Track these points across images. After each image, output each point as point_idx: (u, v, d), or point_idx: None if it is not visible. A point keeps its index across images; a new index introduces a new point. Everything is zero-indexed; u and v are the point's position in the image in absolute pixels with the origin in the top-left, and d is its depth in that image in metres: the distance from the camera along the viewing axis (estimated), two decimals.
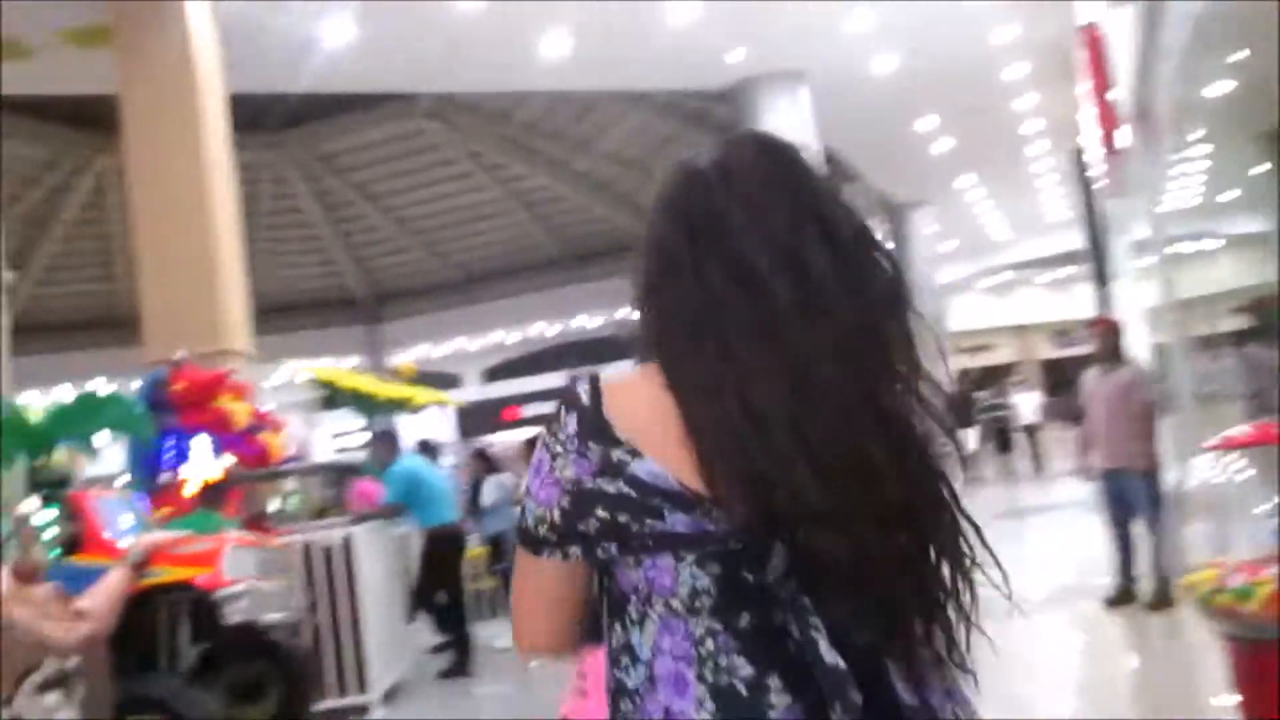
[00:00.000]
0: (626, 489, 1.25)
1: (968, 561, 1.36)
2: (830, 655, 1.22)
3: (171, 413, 8.07)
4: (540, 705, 5.83)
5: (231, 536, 5.48)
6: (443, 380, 30.91)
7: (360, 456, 10.37)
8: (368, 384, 11.79)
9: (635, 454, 1.26)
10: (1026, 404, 20.45)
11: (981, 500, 16.41)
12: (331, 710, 6.81)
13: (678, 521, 1.24)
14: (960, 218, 26.41)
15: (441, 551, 7.85)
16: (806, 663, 1.22)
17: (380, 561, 7.39)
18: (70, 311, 26.77)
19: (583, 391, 1.31)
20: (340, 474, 8.91)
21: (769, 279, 1.27)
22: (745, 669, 1.23)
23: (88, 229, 24.60)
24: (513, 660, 8.50)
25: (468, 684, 7.76)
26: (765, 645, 1.24)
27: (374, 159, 25.43)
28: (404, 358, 31.86)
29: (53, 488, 6.56)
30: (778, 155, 1.38)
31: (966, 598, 1.36)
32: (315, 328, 29.14)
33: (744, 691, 1.22)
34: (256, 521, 8.30)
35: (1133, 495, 7.01)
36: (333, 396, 12.03)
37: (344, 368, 14.73)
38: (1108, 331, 7.49)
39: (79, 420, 7.14)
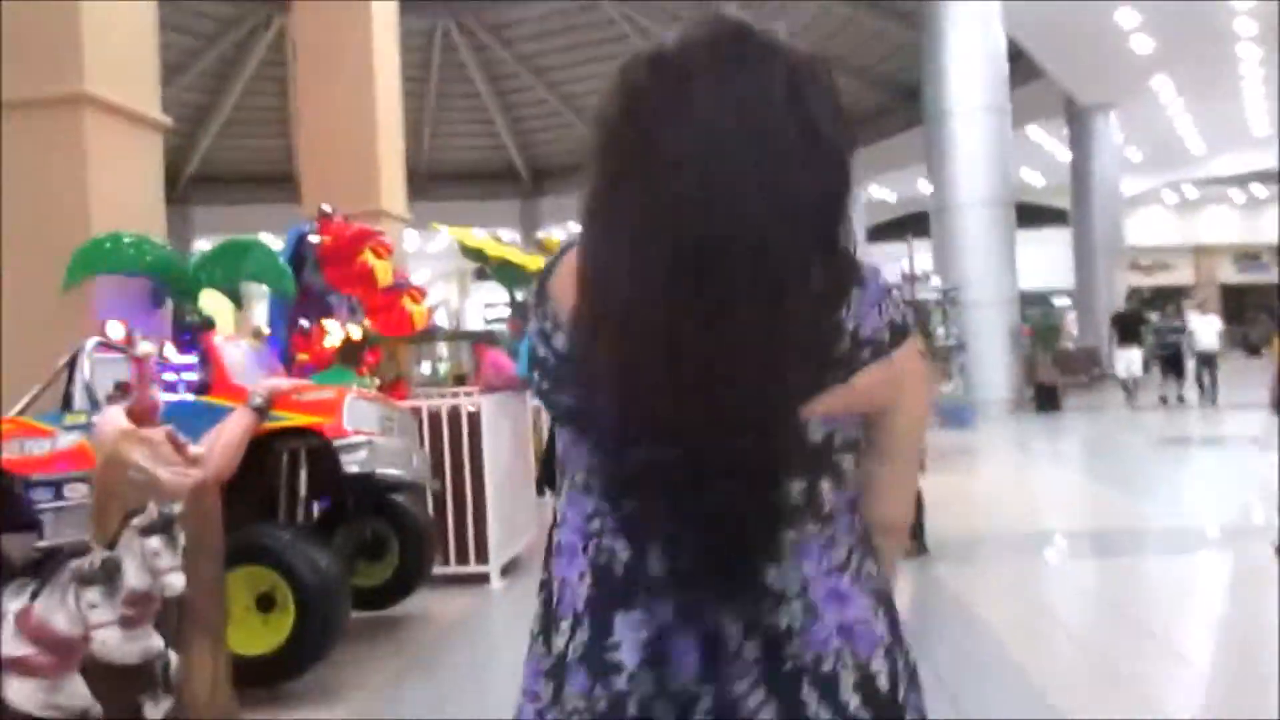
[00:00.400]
0: (550, 357, 1.27)
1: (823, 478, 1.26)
2: (656, 562, 1.21)
3: (315, 266, 8.01)
4: None
5: (353, 389, 5.34)
6: None
7: (499, 327, 10.29)
8: (512, 253, 11.59)
9: (558, 326, 1.26)
10: (1205, 329, 18.27)
11: (1146, 427, 15.55)
12: (451, 576, 6.76)
13: (575, 398, 1.26)
14: (1149, 125, 24.61)
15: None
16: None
17: (508, 434, 7.22)
18: (247, 165, 27.52)
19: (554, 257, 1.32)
20: (475, 343, 8.74)
21: (669, 172, 1.16)
22: (624, 552, 1.24)
23: (265, 85, 25.07)
24: None
25: None
26: (645, 530, 1.23)
27: (543, 31, 25.08)
28: (558, 234, 32.02)
29: (194, 333, 6.57)
30: (726, 43, 1.22)
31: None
32: (474, 199, 29.35)
33: (619, 572, 1.24)
34: (395, 384, 8.26)
35: None
36: (481, 264, 11.89)
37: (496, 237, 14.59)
38: None
39: (223, 267, 7.12)
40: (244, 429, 3.50)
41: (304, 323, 7.65)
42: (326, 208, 8.72)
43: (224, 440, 3.47)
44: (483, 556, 6.72)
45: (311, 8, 12.46)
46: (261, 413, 3.58)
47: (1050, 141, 26.50)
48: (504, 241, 13.63)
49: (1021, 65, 20.76)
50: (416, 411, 6.46)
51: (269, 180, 26.04)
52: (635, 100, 1.22)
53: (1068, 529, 8.32)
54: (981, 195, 17.10)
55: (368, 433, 5.00)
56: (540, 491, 7.92)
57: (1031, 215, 26.23)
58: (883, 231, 30.26)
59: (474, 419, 6.74)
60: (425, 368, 10.71)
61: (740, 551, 1.21)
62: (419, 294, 9.22)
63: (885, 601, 1.30)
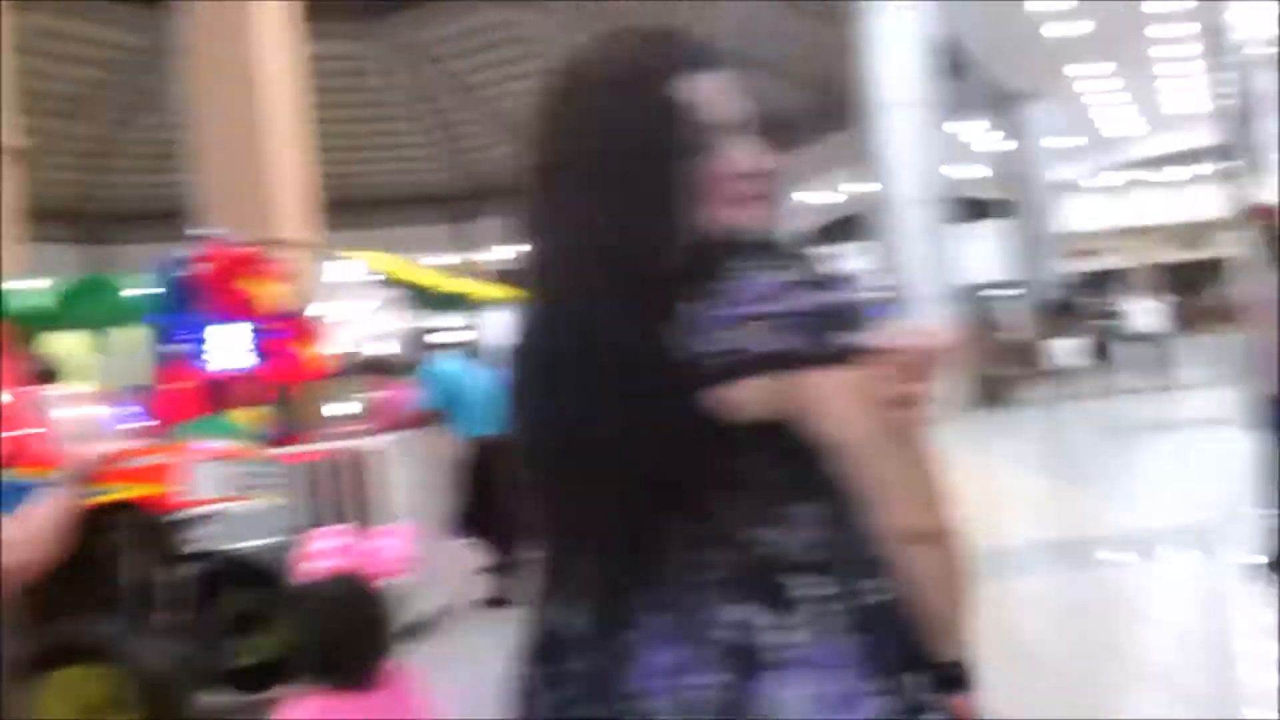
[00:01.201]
0: None
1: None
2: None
3: (188, 297, 7.12)
4: None
5: (202, 447, 4.52)
6: None
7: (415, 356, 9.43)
8: (425, 276, 10.78)
9: None
10: (1142, 311, 17.70)
11: (1099, 417, 15.04)
12: None
13: None
14: (1078, 111, 24.32)
15: (487, 466, 6.87)
16: None
17: (413, 477, 6.42)
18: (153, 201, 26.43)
19: None
20: (376, 374, 7.86)
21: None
22: None
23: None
24: None
25: (513, 616, 6.84)
26: None
27: (470, 48, 24.32)
28: (497, 256, 31.19)
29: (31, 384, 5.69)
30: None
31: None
32: (409, 223, 28.50)
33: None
34: (291, 427, 7.43)
35: None
36: (409, 291, 11.05)
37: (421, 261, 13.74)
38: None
39: (84, 304, 6.25)
40: (54, 510, 2.73)
41: (172, 368, 6.75)
42: (201, 232, 7.87)
43: (26, 523, 2.70)
44: None
45: (198, 31, 11.59)
46: (80, 484, 2.81)
47: (982, 133, 26.16)
48: (431, 266, 12.76)
49: (949, 59, 20.32)
50: (306, 458, 5.65)
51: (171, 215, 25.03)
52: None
53: (1030, 538, 7.67)
54: (917, 191, 16.61)
55: (220, 499, 4.19)
56: (459, 531, 7.10)
57: (968, 209, 25.84)
58: (821, 235, 29.77)
59: (366, 461, 5.92)
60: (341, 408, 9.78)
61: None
62: (309, 334, 8.33)
63: None
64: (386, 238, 26.09)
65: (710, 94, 1.17)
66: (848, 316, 1.11)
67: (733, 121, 1.19)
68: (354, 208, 28.68)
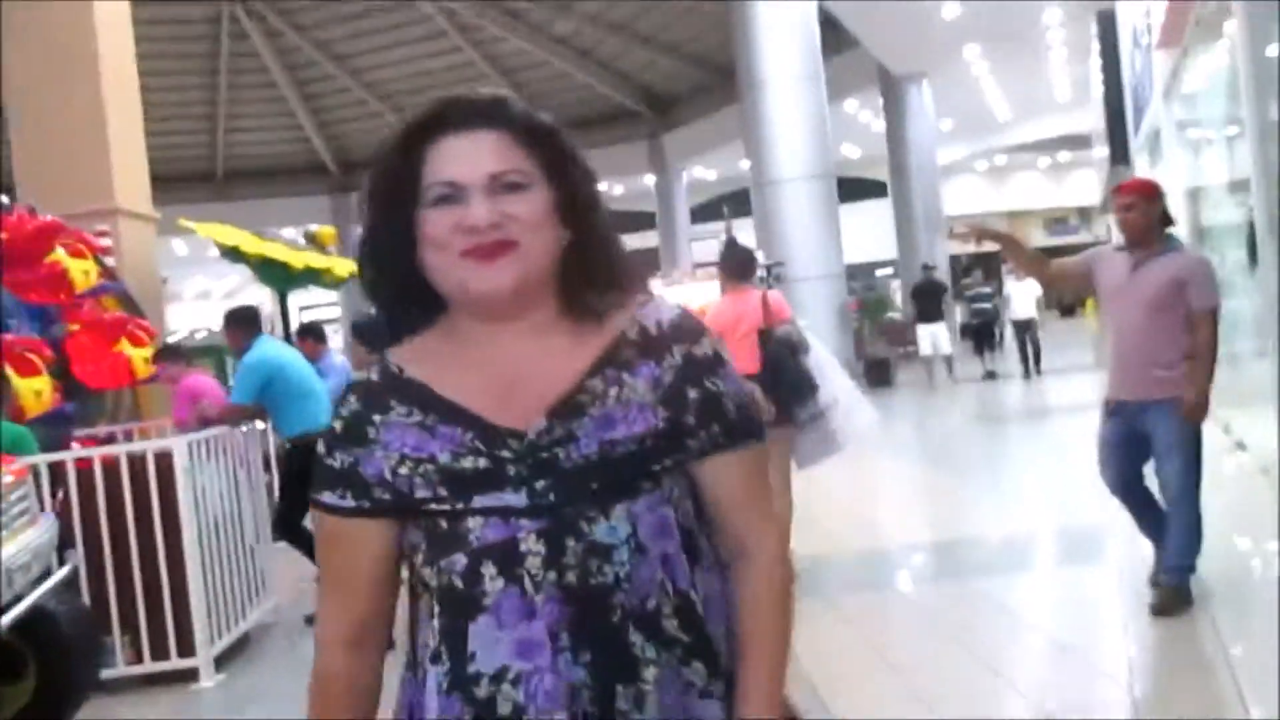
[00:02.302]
0: None
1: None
2: None
3: None
4: None
5: None
6: None
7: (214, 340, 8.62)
8: (275, 249, 9.82)
9: None
10: (1022, 295, 16.54)
11: (979, 403, 14.77)
12: (147, 676, 5.10)
13: None
14: (960, 94, 24.14)
15: (306, 465, 6.07)
16: None
17: (219, 481, 5.57)
18: None
19: None
20: (161, 362, 6.84)
21: None
22: None
23: None
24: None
25: None
26: None
27: (340, 16, 23.04)
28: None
29: None
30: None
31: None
32: (280, 195, 27.10)
33: None
34: (75, 420, 6.52)
35: (1165, 439, 4.75)
36: (241, 263, 10.06)
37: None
38: (1145, 199, 4.96)
39: None
40: None
41: None
42: (3, 199, 6.87)
43: None
44: (186, 648, 5.07)
45: None
46: None
47: (866, 113, 25.87)
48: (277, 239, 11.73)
49: (834, 36, 19.91)
50: (81, 465, 4.77)
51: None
52: None
53: (899, 541, 7.15)
54: (801, 168, 16.12)
55: None
56: (278, 537, 6.27)
57: (852, 188, 25.56)
58: (704, 211, 29.30)
59: (164, 467, 5.07)
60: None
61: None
62: (143, 334, 7.39)
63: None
64: (262, 210, 24.79)
65: (447, 155, 1.29)
66: None
67: (468, 181, 1.28)
68: (224, 180, 27.24)
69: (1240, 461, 7.83)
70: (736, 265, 6.20)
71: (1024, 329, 16.59)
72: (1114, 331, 5.05)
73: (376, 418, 1.29)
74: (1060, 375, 15.71)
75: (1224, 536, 6.07)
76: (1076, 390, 12.78)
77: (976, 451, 10.75)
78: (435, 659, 1.27)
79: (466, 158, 1.29)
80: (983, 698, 4.15)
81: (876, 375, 17.41)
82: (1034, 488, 8.32)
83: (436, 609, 1.27)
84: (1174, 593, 4.84)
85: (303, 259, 10.11)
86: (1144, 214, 4.88)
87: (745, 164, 18.80)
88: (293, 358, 6.20)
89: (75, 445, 5.94)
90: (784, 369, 5.71)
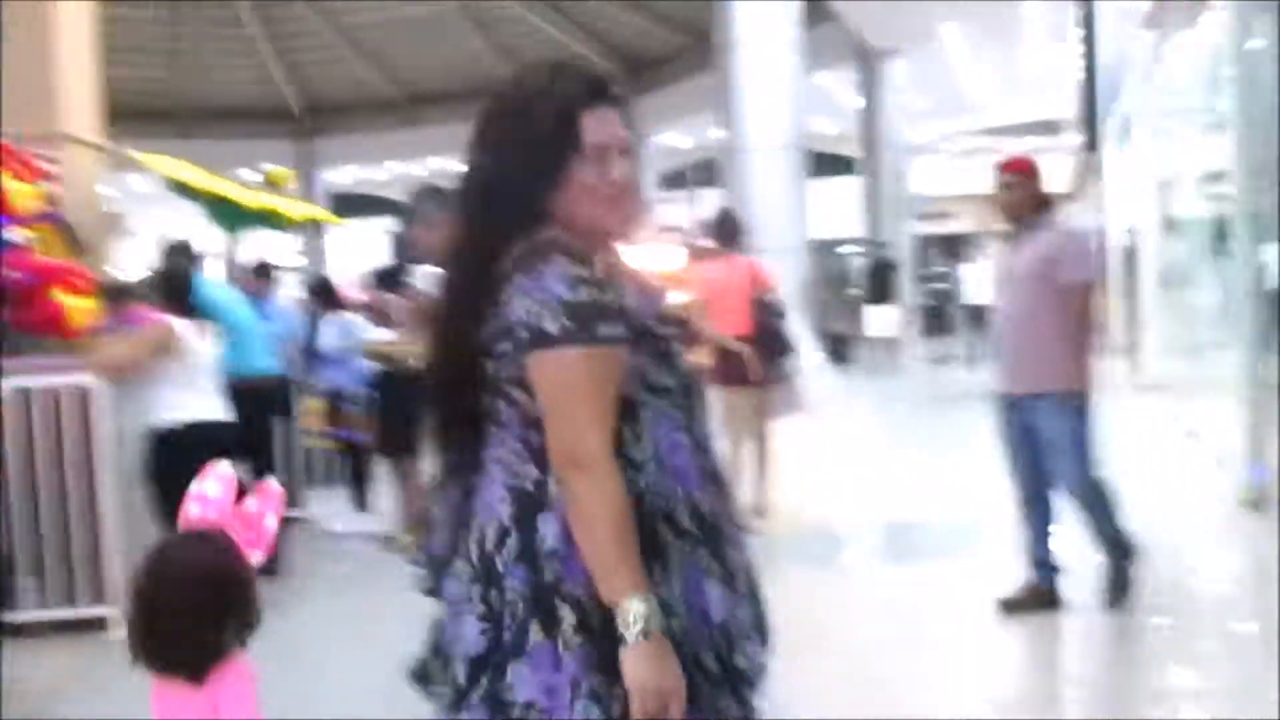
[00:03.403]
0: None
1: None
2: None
3: None
4: (383, 612, 4.07)
5: None
6: (379, 205, 28.45)
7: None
8: (226, 189, 9.42)
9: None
10: (977, 279, 15.58)
11: (908, 381, 14.63)
12: (57, 623, 4.84)
13: None
14: (935, 73, 23.92)
15: (249, 412, 5.79)
16: None
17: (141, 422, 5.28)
18: None
19: None
20: (113, 297, 6.55)
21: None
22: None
23: None
24: (352, 549, 6.67)
25: (281, 587, 5.86)
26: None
27: None
28: (338, 178, 29.28)
29: None
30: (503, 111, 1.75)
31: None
32: (244, 137, 26.46)
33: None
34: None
35: (1050, 434, 4.53)
36: (191, 200, 9.66)
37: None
38: (1024, 177, 4.62)
39: None
40: None
41: None
42: None
43: None
44: (99, 594, 4.81)
45: None
46: None
47: (841, 88, 25.60)
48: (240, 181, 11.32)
49: (813, 8, 19.57)
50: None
51: None
52: None
53: (845, 520, 6.99)
54: (772, 138, 15.82)
55: None
56: None
57: (822, 163, 25.32)
58: (675, 179, 28.97)
59: (81, 405, 4.78)
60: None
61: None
62: (78, 281, 7.00)
63: (520, 498, 1.62)
64: (222, 151, 24.17)
65: (602, 122, 1.67)
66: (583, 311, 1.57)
67: (615, 144, 1.68)
68: (186, 118, 26.54)
69: (1194, 452, 7.74)
70: (728, 233, 6.59)
71: (976, 314, 15.70)
72: (1000, 320, 4.78)
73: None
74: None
75: (1175, 529, 5.96)
76: None
77: (920, 433, 10.60)
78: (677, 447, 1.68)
79: (613, 126, 1.69)
80: (926, 680, 3.99)
81: (836, 351, 17.27)
82: (981, 471, 8.19)
83: (655, 417, 1.65)
84: (1031, 593, 4.65)
85: (255, 200, 9.73)
86: (1020, 193, 4.59)
87: (717, 133, 18.52)
88: (231, 297, 5.91)
89: None
90: (774, 331, 6.35)
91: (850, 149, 25.33)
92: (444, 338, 1.71)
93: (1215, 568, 5.36)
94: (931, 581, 5.32)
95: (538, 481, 1.61)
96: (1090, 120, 13.42)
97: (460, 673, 1.60)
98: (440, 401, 1.75)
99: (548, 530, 1.57)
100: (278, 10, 24.27)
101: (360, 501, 6.98)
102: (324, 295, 7.43)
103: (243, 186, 10.13)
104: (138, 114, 23.86)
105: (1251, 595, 4.86)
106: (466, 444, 1.70)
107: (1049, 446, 4.54)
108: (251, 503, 2.00)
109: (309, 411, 7.23)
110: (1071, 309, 4.42)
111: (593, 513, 1.52)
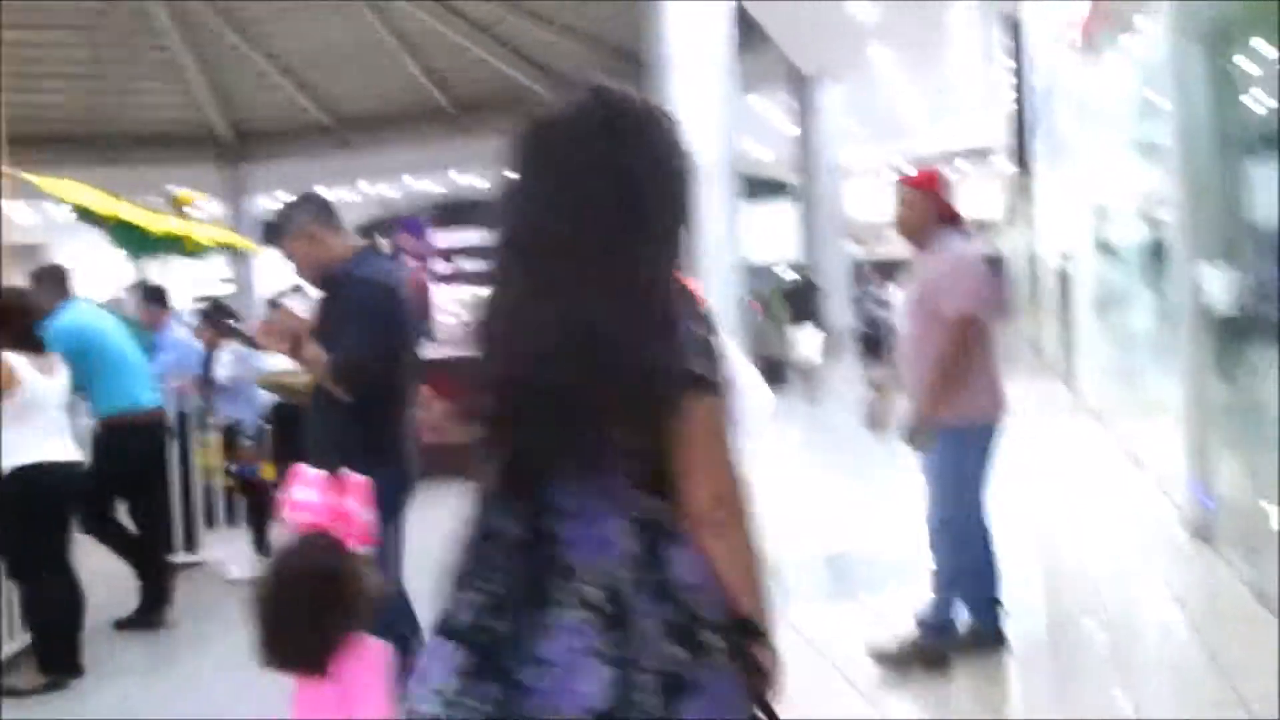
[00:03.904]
0: None
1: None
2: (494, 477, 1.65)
3: None
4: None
5: None
6: None
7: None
8: (131, 212, 8.91)
9: None
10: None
11: (830, 413, 14.34)
12: None
13: None
14: (868, 98, 23.94)
15: (130, 450, 5.32)
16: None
17: None
18: None
19: None
20: None
21: (523, 256, 1.62)
22: None
23: None
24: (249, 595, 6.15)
25: (162, 640, 5.36)
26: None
27: None
28: (270, 204, 28.58)
29: None
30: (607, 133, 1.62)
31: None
32: (169, 164, 25.73)
33: None
34: None
35: (943, 467, 4.16)
36: (94, 225, 9.12)
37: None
38: (919, 193, 4.28)
39: None
40: None
41: None
42: None
43: None
44: None
45: None
46: None
47: (776, 113, 25.54)
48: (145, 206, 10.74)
49: (746, 32, 19.40)
50: None
51: None
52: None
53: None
54: (704, 160, 15.53)
55: None
56: (85, 530, 5.47)
57: (758, 188, 25.18)
58: None
59: None
60: None
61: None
62: None
63: (649, 527, 1.55)
64: (149, 177, 23.46)
65: None
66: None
67: None
68: (106, 143, 25.74)
69: (1137, 479, 7.52)
70: None
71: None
72: (901, 347, 4.42)
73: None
74: None
75: (1120, 557, 5.69)
76: None
77: (839, 460, 10.29)
78: None
79: None
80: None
81: (773, 375, 17.00)
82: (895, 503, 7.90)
83: None
84: (913, 649, 4.24)
85: (162, 224, 9.23)
86: (917, 211, 4.22)
87: None
88: (109, 326, 5.43)
89: None
90: None
91: (786, 174, 25.27)
92: (574, 365, 1.53)
93: (1159, 597, 5.08)
94: (848, 615, 4.98)
95: (661, 511, 1.57)
96: (1021, 143, 13.35)
97: None
98: (533, 436, 1.56)
99: (680, 561, 1.55)
100: (205, 35, 23.68)
101: (260, 543, 6.50)
102: (217, 326, 6.94)
103: (152, 211, 9.61)
104: (61, 140, 23.12)
105: (1196, 625, 4.59)
106: (548, 481, 1.56)
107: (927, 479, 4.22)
108: (347, 502, 2.12)
109: (206, 447, 6.74)
110: (954, 340, 4.03)
111: (746, 551, 1.60)
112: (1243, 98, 5.29)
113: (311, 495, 2.11)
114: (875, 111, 25.25)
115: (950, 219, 4.27)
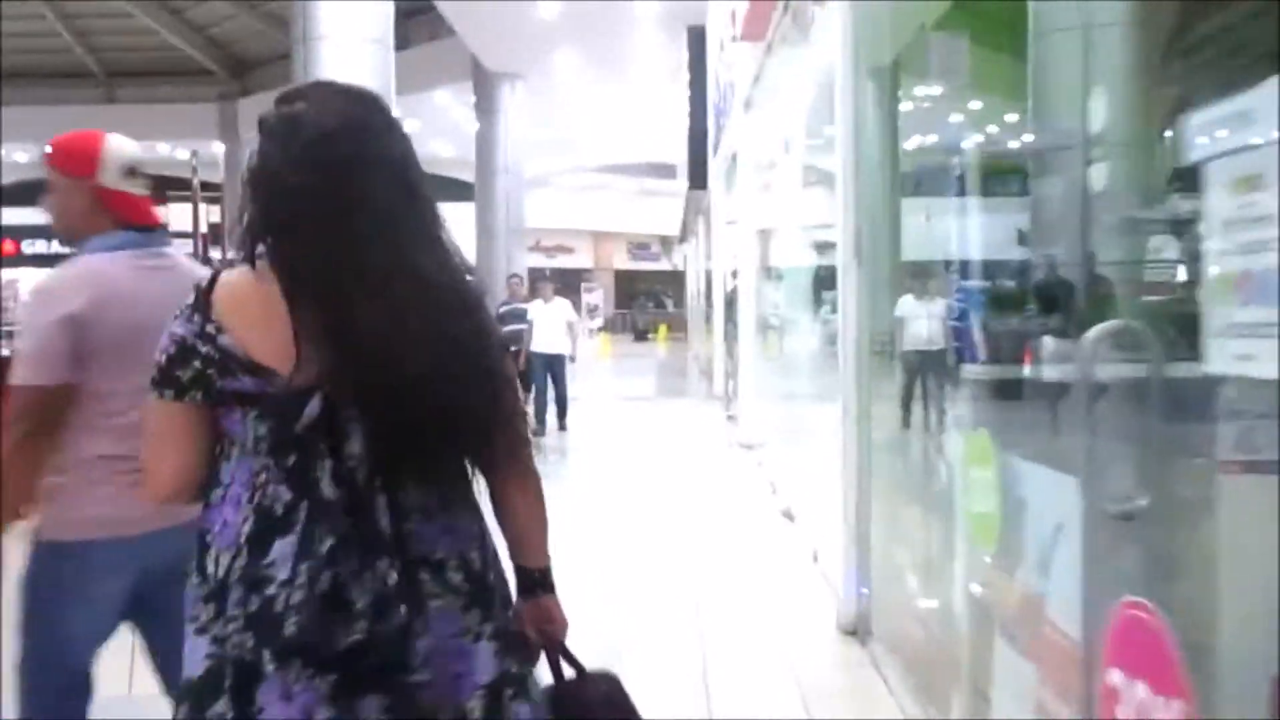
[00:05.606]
0: (213, 352, 1.62)
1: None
2: (329, 489, 1.59)
3: None
4: None
5: None
6: None
7: None
8: None
9: (220, 330, 1.62)
10: (547, 321, 11.58)
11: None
12: None
13: (246, 383, 1.61)
14: (555, 103, 23.07)
15: None
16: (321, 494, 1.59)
17: None
18: None
19: (206, 279, 1.67)
20: None
21: (371, 243, 1.61)
22: (286, 495, 1.60)
23: None
24: None
25: None
26: (302, 480, 1.59)
27: None
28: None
29: None
30: (382, 118, 1.72)
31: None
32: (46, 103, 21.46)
33: (279, 511, 1.59)
34: None
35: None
36: None
37: None
38: (63, 173, 2.47)
39: None
40: None
41: None
42: None
43: None
44: None
45: None
46: None
47: (459, 109, 24.18)
48: None
49: (434, 20, 18.02)
50: None
51: None
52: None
53: None
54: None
55: None
56: None
57: (443, 188, 23.67)
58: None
59: None
60: None
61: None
62: None
63: (475, 506, 1.72)
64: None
65: None
66: None
67: None
68: None
69: (790, 534, 6.70)
70: None
71: (546, 365, 11.59)
72: None
73: None
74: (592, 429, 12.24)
75: (777, 618, 4.78)
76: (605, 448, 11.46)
77: None
78: None
79: None
80: None
81: None
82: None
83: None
84: None
85: None
86: (65, 197, 2.55)
87: None
88: None
89: None
90: None
91: (467, 174, 23.96)
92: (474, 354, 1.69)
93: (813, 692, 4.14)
94: None
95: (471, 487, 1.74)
96: (697, 157, 12.73)
97: (477, 708, 1.64)
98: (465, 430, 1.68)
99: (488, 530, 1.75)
100: None
101: None
102: None
103: None
104: None
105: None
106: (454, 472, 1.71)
107: None
108: None
109: None
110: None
111: (543, 501, 1.83)
112: (911, 132, 4.71)
113: None
114: (561, 121, 24.44)
115: (129, 217, 2.55)
